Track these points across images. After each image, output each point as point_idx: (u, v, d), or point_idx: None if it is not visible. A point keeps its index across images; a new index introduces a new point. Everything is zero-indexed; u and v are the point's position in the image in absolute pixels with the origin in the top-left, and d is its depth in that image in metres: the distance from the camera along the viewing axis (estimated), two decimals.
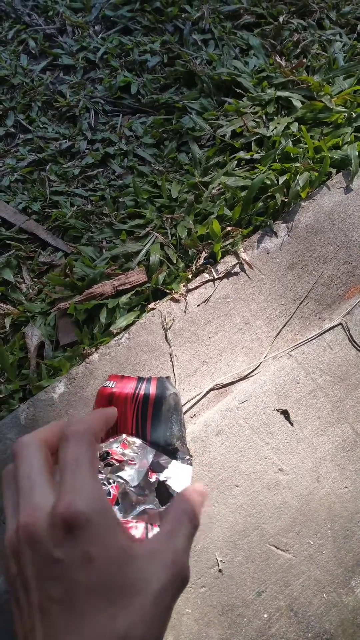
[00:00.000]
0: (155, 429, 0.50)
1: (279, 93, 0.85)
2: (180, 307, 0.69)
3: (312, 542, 0.57)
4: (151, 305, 0.70)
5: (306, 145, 0.79)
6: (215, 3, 1.00)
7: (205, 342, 0.67)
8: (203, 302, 0.69)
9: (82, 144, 0.91)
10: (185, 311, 0.69)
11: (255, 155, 0.81)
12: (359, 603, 0.55)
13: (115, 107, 0.95)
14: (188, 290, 0.70)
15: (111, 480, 0.47)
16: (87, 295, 0.72)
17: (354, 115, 0.81)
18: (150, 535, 0.40)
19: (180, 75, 0.93)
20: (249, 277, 0.70)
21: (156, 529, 0.42)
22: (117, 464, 0.44)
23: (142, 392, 0.51)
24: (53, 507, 0.20)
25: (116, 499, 0.46)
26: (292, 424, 0.62)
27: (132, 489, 0.43)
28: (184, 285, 0.70)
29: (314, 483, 0.60)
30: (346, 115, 0.81)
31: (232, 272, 0.71)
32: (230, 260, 0.71)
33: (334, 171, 0.76)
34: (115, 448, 0.45)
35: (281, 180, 0.74)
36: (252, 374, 0.65)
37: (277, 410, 0.63)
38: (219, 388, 0.65)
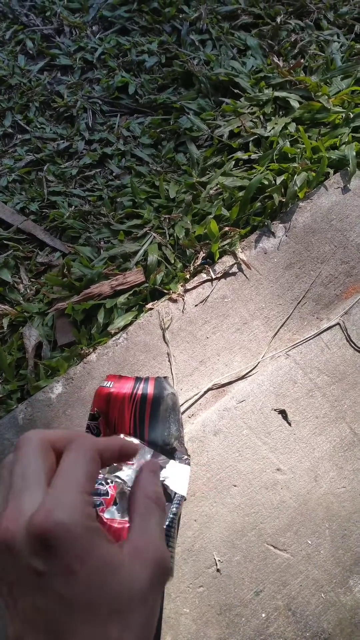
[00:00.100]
0: (153, 429, 0.50)
1: (276, 93, 0.85)
2: (178, 307, 0.69)
3: (310, 542, 0.57)
4: (149, 306, 0.70)
5: (304, 146, 0.79)
6: (213, 3, 1.01)
7: (203, 342, 0.67)
8: (201, 302, 0.69)
9: (80, 144, 0.91)
10: (183, 311, 0.69)
11: (253, 156, 0.81)
12: (356, 602, 0.55)
13: (112, 108, 0.95)
14: (186, 291, 0.70)
15: (109, 480, 0.47)
16: (85, 296, 0.72)
17: (352, 115, 0.81)
18: None
19: (177, 75, 0.93)
20: (247, 277, 0.70)
21: None
22: (114, 464, 0.44)
23: (139, 392, 0.51)
24: (31, 515, 0.20)
25: (114, 499, 0.46)
26: (289, 424, 0.62)
27: (130, 488, 0.43)
28: (181, 286, 0.70)
29: (312, 483, 0.60)
30: (344, 115, 0.81)
31: (230, 272, 0.71)
32: (228, 260, 0.71)
33: (331, 171, 0.77)
34: None
35: (279, 180, 0.74)
36: (249, 373, 0.65)
37: (275, 410, 0.63)
38: (217, 388, 0.65)
